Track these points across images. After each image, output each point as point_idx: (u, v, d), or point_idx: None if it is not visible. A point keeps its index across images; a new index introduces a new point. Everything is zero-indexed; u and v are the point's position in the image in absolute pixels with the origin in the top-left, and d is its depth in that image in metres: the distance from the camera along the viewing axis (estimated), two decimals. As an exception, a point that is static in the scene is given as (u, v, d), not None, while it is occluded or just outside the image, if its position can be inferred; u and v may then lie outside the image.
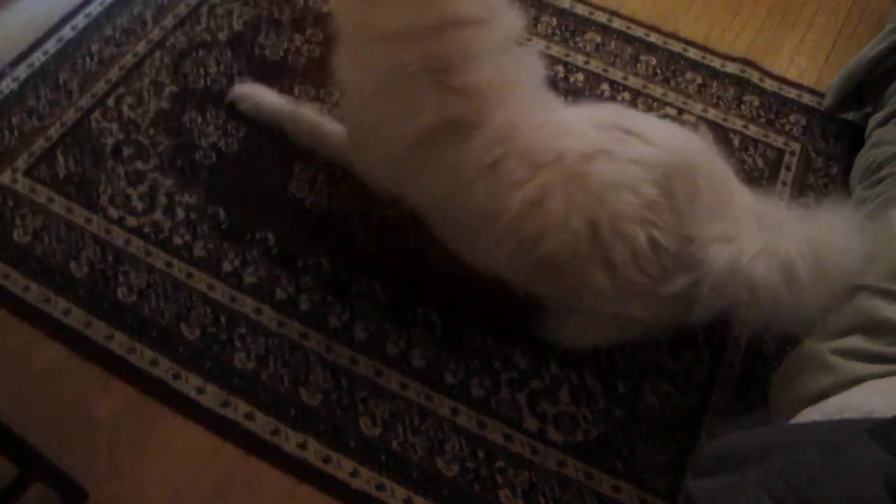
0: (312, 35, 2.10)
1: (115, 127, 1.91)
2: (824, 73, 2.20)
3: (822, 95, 2.13)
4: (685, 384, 1.63)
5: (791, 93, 2.15)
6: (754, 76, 2.15)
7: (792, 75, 2.20)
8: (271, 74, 2.02)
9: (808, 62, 2.25)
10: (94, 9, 2.14)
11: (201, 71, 2.02)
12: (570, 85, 2.09)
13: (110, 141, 1.89)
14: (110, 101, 1.96)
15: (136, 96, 1.97)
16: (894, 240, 1.39)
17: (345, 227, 1.78)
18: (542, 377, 1.62)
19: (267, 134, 1.91)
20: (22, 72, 2.00)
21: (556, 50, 2.15)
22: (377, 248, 1.76)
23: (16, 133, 1.89)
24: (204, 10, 2.15)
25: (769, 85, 2.15)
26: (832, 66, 2.20)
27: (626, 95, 2.09)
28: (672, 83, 2.11)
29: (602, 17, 2.24)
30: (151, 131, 1.91)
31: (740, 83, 2.13)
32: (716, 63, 2.17)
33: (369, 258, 1.74)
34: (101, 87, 1.98)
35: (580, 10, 2.25)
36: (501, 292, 1.62)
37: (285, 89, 1.98)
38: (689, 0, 2.34)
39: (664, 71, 2.14)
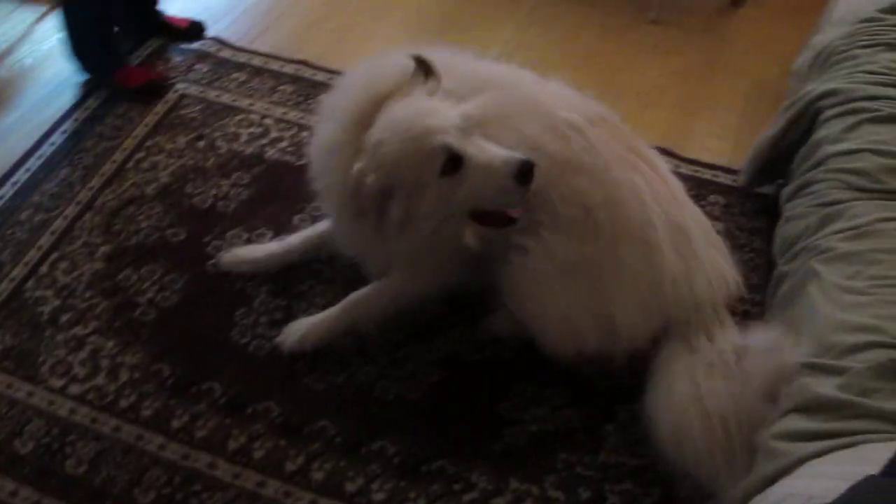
0: (238, 178, 2.15)
1: (50, 294, 1.91)
2: (736, 151, 2.31)
3: (736, 173, 2.23)
4: (647, 481, 1.64)
5: (707, 174, 2.24)
6: (671, 163, 2.24)
7: (706, 157, 2.31)
8: (202, 222, 2.05)
9: (718, 143, 2.36)
10: (20, 177, 2.18)
11: (133, 227, 2.04)
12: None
13: (47, 309, 1.88)
14: (44, 268, 1.97)
15: (69, 260, 1.98)
16: (816, 315, 1.44)
17: (290, 368, 1.79)
18: (504, 494, 1.61)
19: (204, 283, 1.92)
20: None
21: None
22: (324, 386, 1.76)
23: (-53, 314, 1.87)
24: (130, 165, 2.19)
25: (686, 169, 2.24)
26: (742, 144, 2.30)
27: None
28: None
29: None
30: (88, 294, 1.91)
31: (657, 171, 2.22)
32: (640, 154, 2.26)
33: (317, 397, 1.74)
34: (33, 255, 1.99)
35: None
36: (453, 409, 1.63)
37: (217, 236, 2.01)
38: (601, 95, 2.46)
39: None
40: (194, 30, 2.63)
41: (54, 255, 1.99)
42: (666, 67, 2.61)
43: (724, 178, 2.23)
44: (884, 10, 2.06)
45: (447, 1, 2.82)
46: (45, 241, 2.02)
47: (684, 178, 2.19)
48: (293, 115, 2.34)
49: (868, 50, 1.98)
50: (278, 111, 2.35)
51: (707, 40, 2.75)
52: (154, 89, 2.40)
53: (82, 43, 2.37)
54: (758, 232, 2.10)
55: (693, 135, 2.38)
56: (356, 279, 1.83)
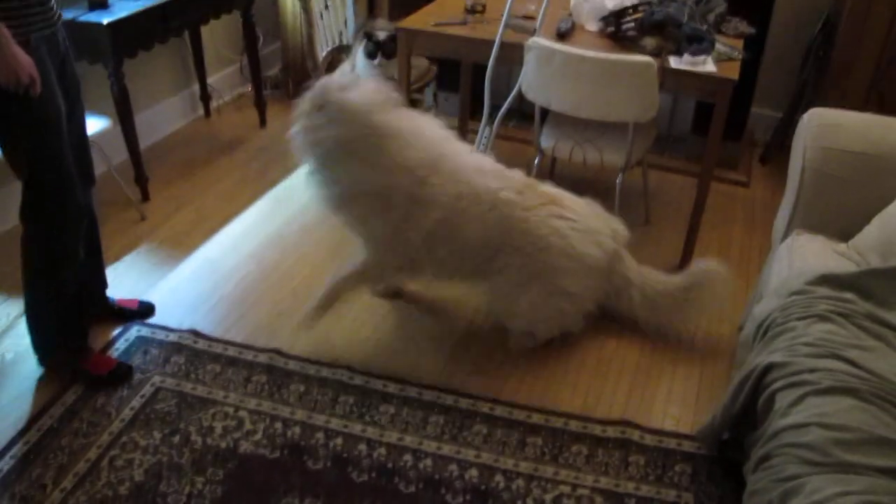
0: (213, 474, 2.16)
1: None
2: (698, 418, 2.38)
3: (699, 439, 2.29)
4: None
5: (671, 443, 2.30)
6: (634, 435, 2.32)
7: (669, 426, 2.38)
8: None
9: (680, 410, 2.45)
10: (-9, 478, 2.16)
11: (103, 531, 2.02)
12: (464, 482, 2.16)
13: None
14: (8, 579, 1.91)
15: (35, 570, 1.93)
16: None
17: None
18: None
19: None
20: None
21: (448, 449, 2.27)
22: None
23: None
24: (105, 463, 2.20)
25: (650, 440, 2.31)
26: (703, 409, 2.40)
27: (521, 482, 2.16)
28: (560, 459, 2.23)
29: (485, 407, 2.41)
30: None
31: (623, 445, 2.28)
32: (597, 430, 2.33)
33: None
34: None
35: (464, 404, 2.43)
36: None
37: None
38: (562, 375, 2.58)
39: (551, 449, 2.27)
40: (144, 310, 2.79)
41: (19, 564, 1.95)
42: (619, 336, 2.76)
43: (688, 446, 2.29)
44: (811, 283, 2.25)
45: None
46: (12, 550, 1.99)
47: (648, 450, 2.27)
48: (266, 405, 2.40)
49: (802, 322, 2.14)
50: (252, 402, 2.41)
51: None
52: (123, 374, 2.50)
53: (45, 336, 2.48)
54: (726, 499, 2.13)
55: (653, 404, 2.47)
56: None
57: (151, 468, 2.18)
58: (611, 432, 2.33)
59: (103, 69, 3.22)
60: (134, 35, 3.29)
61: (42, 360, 2.53)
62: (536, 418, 2.37)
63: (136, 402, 2.40)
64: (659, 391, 2.52)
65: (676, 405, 2.47)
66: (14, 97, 2.01)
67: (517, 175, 2.58)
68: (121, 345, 2.64)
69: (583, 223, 2.54)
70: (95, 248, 2.61)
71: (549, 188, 2.61)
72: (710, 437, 2.22)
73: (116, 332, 2.70)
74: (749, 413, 2.09)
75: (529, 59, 2.77)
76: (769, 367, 2.05)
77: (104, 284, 2.75)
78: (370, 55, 3.43)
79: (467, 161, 2.50)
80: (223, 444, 2.25)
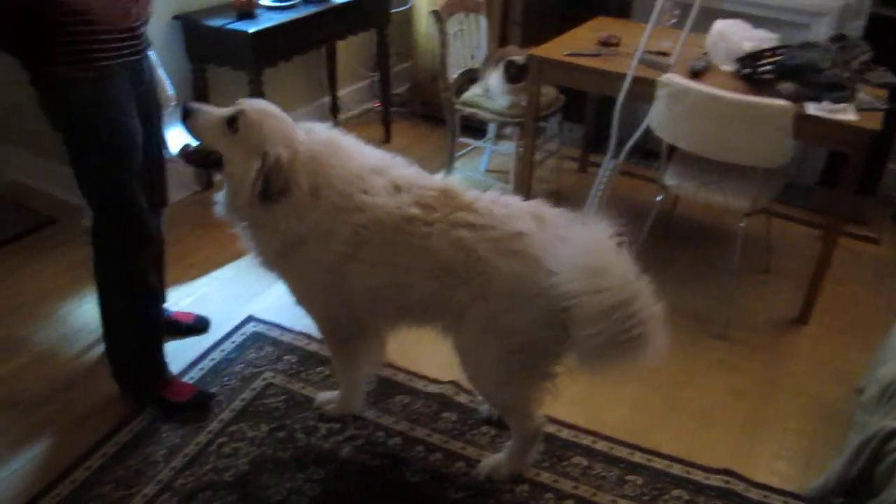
0: (313, 473, 2.22)
1: (118, 573, 1.94)
2: (807, 477, 2.27)
3: (808, 500, 2.19)
4: None
5: (777, 500, 2.22)
6: (738, 487, 2.24)
7: (775, 482, 2.28)
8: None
9: (788, 467, 2.35)
10: (109, 449, 2.28)
11: (206, 514, 2.10)
12: (561, 512, 2.16)
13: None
14: (116, 547, 2.01)
15: (142, 542, 2.03)
16: None
17: None
18: None
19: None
20: (35, 515, 2.09)
21: (546, 477, 2.26)
22: None
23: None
24: (213, 448, 2.29)
25: (754, 494, 2.22)
26: (814, 469, 2.29)
27: (618, 520, 2.15)
28: (660, 502, 2.18)
29: (586, 440, 2.38)
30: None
31: (726, 496, 2.21)
32: (699, 476, 2.27)
33: None
34: (108, 533, 2.05)
35: (565, 434, 2.41)
36: None
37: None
38: (665, 416, 2.52)
39: (650, 490, 2.22)
40: (200, 324, 2.82)
41: (128, 536, 2.05)
42: (729, 385, 2.67)
43: (794, 505, 2.21)
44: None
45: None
46: (122, 519, 2.09)
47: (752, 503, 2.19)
48: (370, 413, 2.45)
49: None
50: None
51: (770, 358, 2.83)
52: (203, 402, 2.47)
53: (124, 365, 2.47)
54: (834, 567, 2.03)
55: (759, 457, 2.38)
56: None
57: (256, 459, 2.26)
58: (714, 481, 2.25)
59: (245, 76, 3.39)
60: (276, 45, 3.45)
61: (120, 384, 2.50)
62: (638, 457, 2.33)
63: (248, 395, 2.49)
64: (767, 445, 2.43)
65: (785, 461, 2.37)
66: (83, 126, 2.07)
67: (433, 182, 2.07)
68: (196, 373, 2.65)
69: (504, 228, 1.91)
70: (158, 268, 2.56)
71: (473, 194, 2.04)
72: (821, 501, 2.12)
73: (196, 355, 2.70)
74: (866, 479, 1.99)
75: (661, 95, 2.75)
76: (893, 433, 1.96)
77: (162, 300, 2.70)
78: (511, 79, 3.47)
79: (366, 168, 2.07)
80: (325, 446, 2.31)
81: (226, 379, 2.57)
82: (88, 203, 2.22)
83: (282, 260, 2.12)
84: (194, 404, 2.45)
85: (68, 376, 2.57)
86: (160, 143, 2.41)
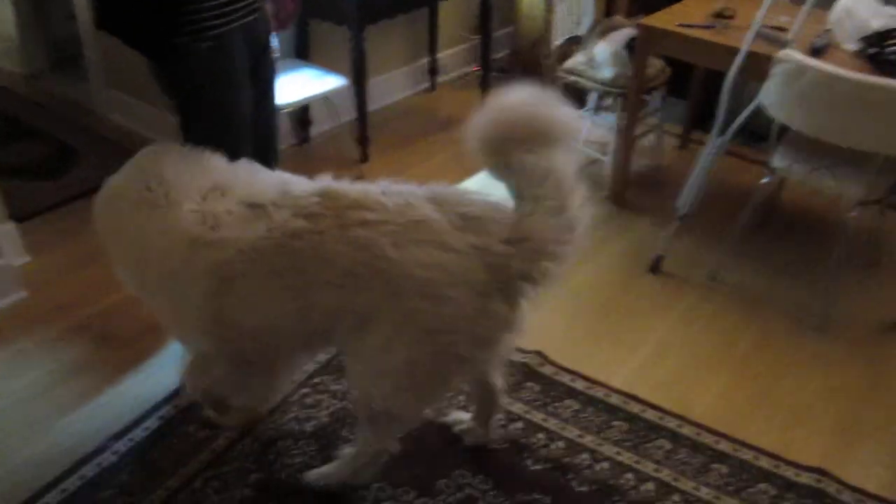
0: (393, 431, 2.22)
1: (197, 513, 1.99)
2: (907, 485, 2.17)
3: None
4: None
5: (872, 505, 2.11)
6: (831, 487, 2.13)
7: (871, 487, 2.16)
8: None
9: (888, 473, 2.22)
10: (196, 393, 2.34)
11: (286, 460, 2.13)
12: (639, 494, 2.10)
13: (192, 527, 1.95)
14: (197, 483, 2.06)
15: (221, 481, 2.07)
16: None
17: None
18: None
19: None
20: (122, 445, 2.17)
21: (627, 457, 2.21)
22: None
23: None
24: (295, 399, 2.32)
25: (848, 497, 2.11)
26: (915, 478, 2.17)
27: (699, 507, 2.08)
28: (744, 494, 2.10)
29: (672, 423, 2.32)
30: (233, 520, 1.98)
31: (817, 495, 2.11)
32: (789, 472, 2.17)
33: None
34: (192, 468, 2.10)
35: (650, 415, 2.34)
36: None
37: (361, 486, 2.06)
38: (756, 406, 2.42)
39: (736, 481, 2.14)
40: None
41: (209, 473, 2.09)
42: (826, 381, 2.55)
43: (892, 512, 2.09)
44: None
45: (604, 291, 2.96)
46: (205, 456, 2.14)
47: (846, 509, 2.09)
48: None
49: None
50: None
51: (873, 356, 2.68)
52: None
53: None
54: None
55: (855, 460, 2.25)
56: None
57: (336, 412, 2.28)
58: (805, 479, 2.15)
59: (347, 31, 3.38)
60: (380, 2, 3.43)
61: None
62: (725, 446, 2.24)
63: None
64: (865, 447, 2.30)
65: (884, 466, 2.24)
66: (195, 97, 2.06)
67: (310, 188, 1.84)
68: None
69: (401, 220, 1.71)
70: None
71: (359, 188, 1.81)
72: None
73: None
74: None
75: (777, 72, 2.60)
76: None
77: None
78: (629, 48, 3.36)
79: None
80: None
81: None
82: None
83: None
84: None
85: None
86: (272, 111, 2.41)
